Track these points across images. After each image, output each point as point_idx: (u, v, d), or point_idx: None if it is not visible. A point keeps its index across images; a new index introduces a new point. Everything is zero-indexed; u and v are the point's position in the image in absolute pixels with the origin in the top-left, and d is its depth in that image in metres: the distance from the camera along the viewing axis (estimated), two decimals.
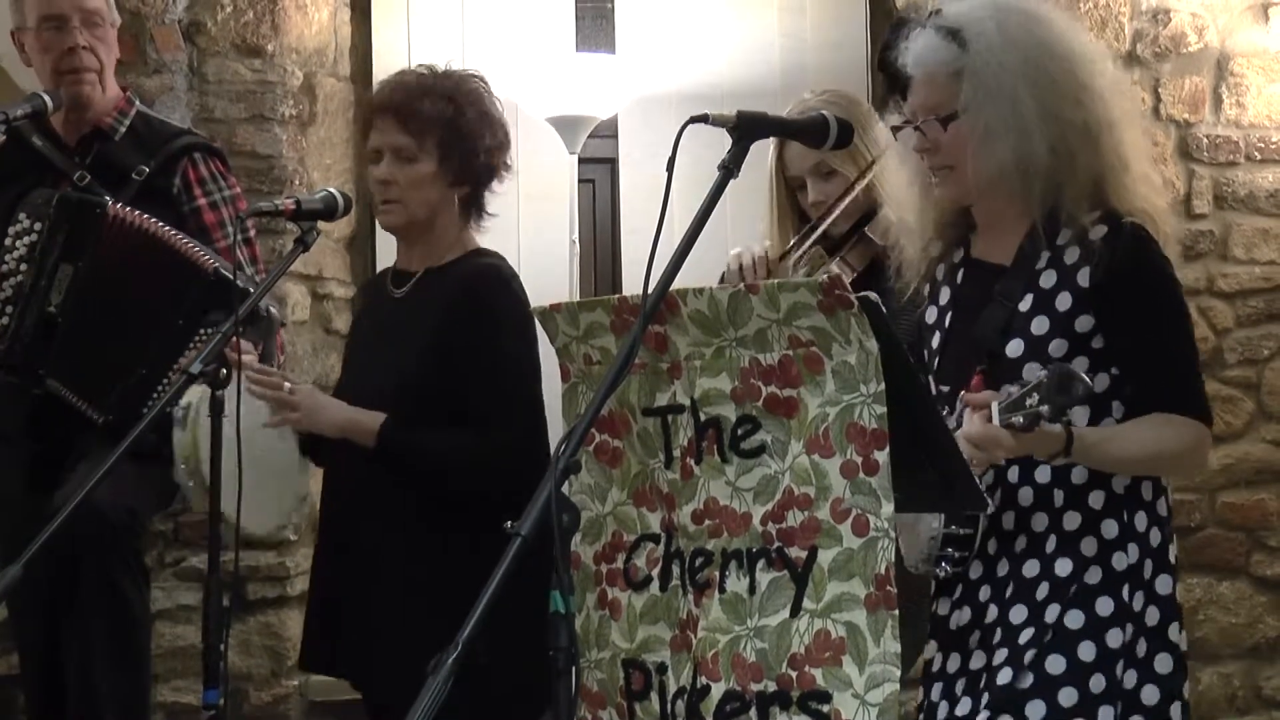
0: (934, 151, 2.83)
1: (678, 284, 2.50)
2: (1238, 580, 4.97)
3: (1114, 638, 2.70)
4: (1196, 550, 4.97)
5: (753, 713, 2.55)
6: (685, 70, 5.50)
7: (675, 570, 2.70)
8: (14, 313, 3.75)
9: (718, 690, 2.59)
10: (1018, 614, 2.74)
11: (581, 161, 5.29)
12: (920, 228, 2.96)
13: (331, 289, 5.12)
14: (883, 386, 2.48)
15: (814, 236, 3.40)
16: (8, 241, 3.77)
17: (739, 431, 2.63)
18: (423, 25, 5.45)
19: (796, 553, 2.55)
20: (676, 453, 2.70)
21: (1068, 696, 2.66)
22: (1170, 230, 2.81)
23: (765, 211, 3.54)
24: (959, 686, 2.78)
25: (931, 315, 2.97)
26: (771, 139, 3.31)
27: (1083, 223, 2.74)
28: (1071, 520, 2.75)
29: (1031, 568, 2.76)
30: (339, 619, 3.39)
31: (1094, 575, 2.72)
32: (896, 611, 2.46)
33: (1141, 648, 2.73)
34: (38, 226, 3.73)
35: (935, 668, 2.85)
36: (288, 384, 3.39)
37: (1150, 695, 2.73)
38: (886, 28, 5.44)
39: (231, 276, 3.59)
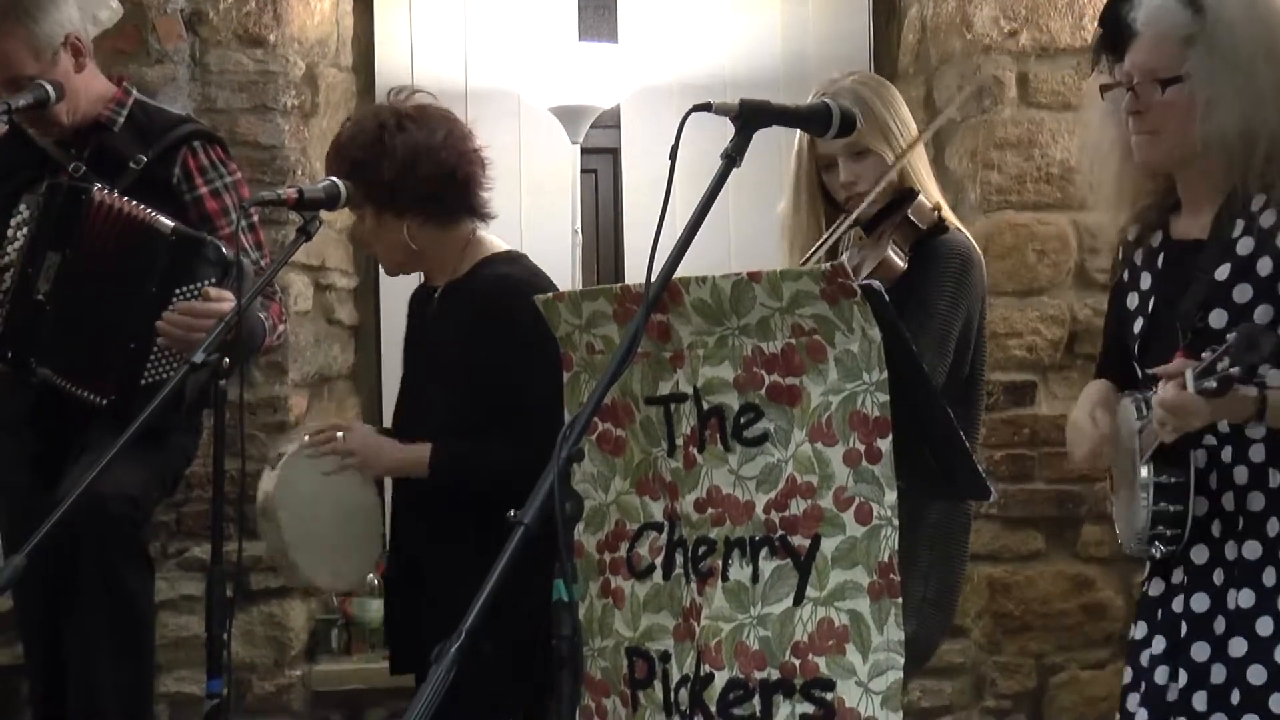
0: (1144, 114, 2.79)
1: (680, 273, 2.50)
2: None
3: None
4: None
5: (756, 701, 2.55)
6: (688, 60, 5.49)
7: (678, 559, 2.70)
8: (5, 303, 3.76)
9: (721, 678, 2.59)
10: (1246, 598, 2.70)
11: (584, 152, 5.28)
12: (1116, 195, 2.95)
13: (334, 279, 5.11)
14: (885, 375, 2.48)
15: (849, 221, 3.29)
16: (9, 233, 3.77)
17: (742, 420, 2.63)
18: (425, 15, 5.44)
19: (799, 541, 2.55)
20: (679, 441, 2.70)
21: None
22: None
23: (789, 192, 3.42)
24: (1180, 676, 2.74)
25: (1133, 301, 2.93)
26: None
27: (1276, 185, 2.71)
28: None
29: (1253, 549, 2.71)
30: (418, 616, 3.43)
31: None
32: (900, 599, 2.46)
33: None
34: (35, 215, 3.74)
35: (1149, 649, 2.82)
36: (339, 432, 3.45)
37: None
38: (886, 18, 5.51)
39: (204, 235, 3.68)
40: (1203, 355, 2.51)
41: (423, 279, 3.67)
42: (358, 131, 3.47)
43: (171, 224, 3.71)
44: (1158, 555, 2.82)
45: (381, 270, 5.28)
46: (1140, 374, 2.85)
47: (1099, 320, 4.97)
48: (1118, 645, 4.93)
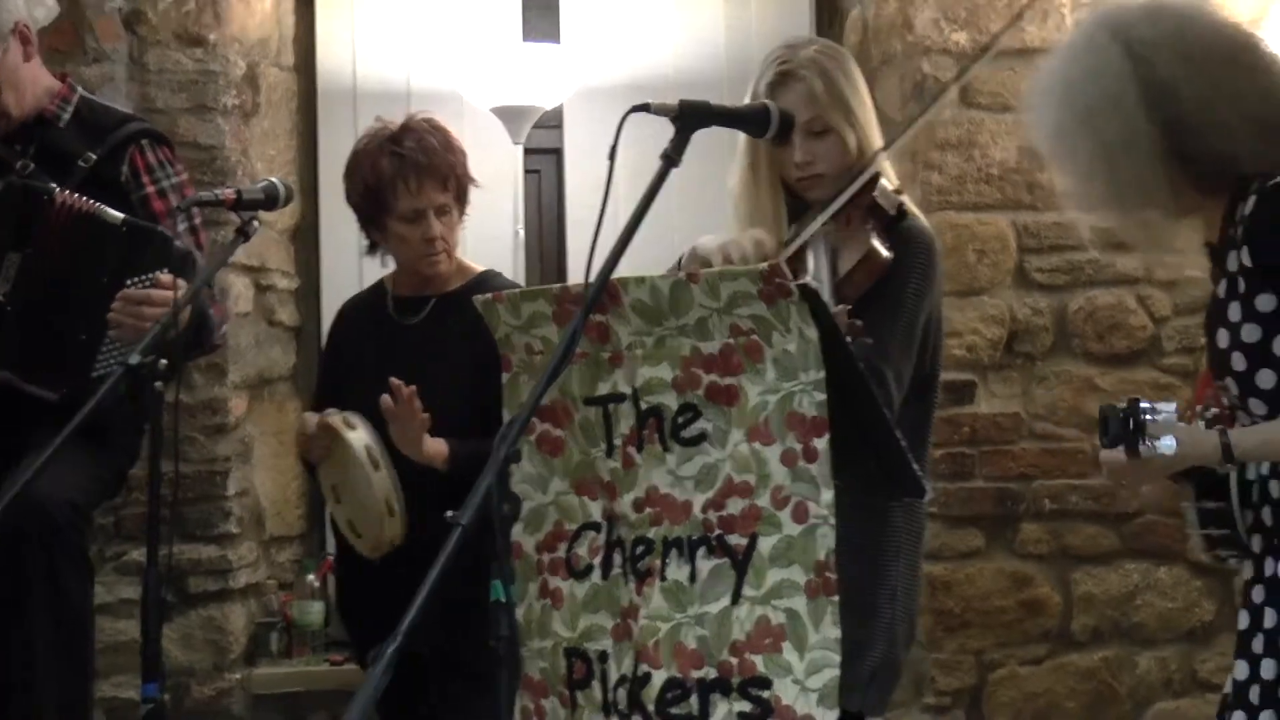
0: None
1: (621, 273, 2.50)
2: (1175, 566, 5.01)
3: None
4: (1135, 536, 5.00)
5: (694, 700, 2.56)
6: (631, 60, 5.49)
7: (617, 559, 2.71)
8: None
9: (659, 678, 2.60)
10: (1271, 618, 2.62)
11: (527, 152, 5.27)
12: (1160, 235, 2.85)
13: (275, 281, 5.09)
14: (823, 374, 2.49)
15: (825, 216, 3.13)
16: None
17: (680, 420, 2.63)
18: (367, 15, 5.42)
19: (737, 540, 2.56)
20: (618, 442, 2.71)
21: None
22: None
23: (741, 169, 3.29)
24: (1252, 694, 2.63)
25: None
26: (762, 82, 3.18)
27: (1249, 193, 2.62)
28: None
29: None
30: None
31: None
32: (836, 598, 2.47)
33: None
34: None
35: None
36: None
37: None
38: (829, 18, 5.52)
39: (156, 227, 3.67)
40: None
41: (395, 286, 3.72)
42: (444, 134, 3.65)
43: (121, 216, 3.69)
44: (1232, 563, 2.79)
45: (323, 272, 5.31)
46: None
47: (1038, 319, 5.04)
48: (1055, 641, 4.97)
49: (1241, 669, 2.66)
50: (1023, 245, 5.03)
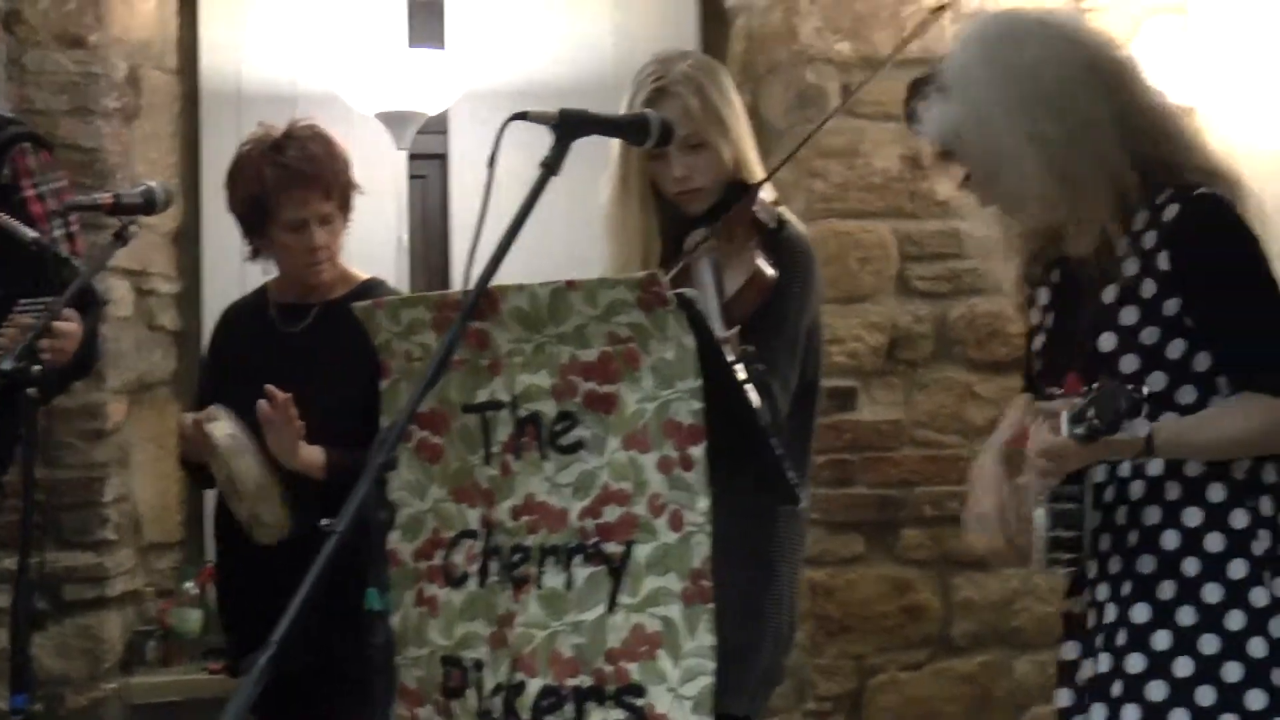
0: (989, 202, 2.84)
1: (501, 281, 2.51)
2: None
3: (1276, 628, 2.62)
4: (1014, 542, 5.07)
5: (569, 708, 2.57)
6: (517, 66, 5.50)
7: (494, 567, 2.70)
8: None
9: (534, 686, 2.60)
10: (1140, 613, 2.67)
11: (412, 158, 5.27)
12: (1006, 244, 2.96)
13: (156, 285, 5.05)
14: (700, 382, 2.51)
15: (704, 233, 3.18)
16: None
17: (558, 428, 2.64)
18: (252, 18, 5.39)
19: (613, 548, 2.56)
20: (496, 449, 2.71)
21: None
22: (1247, 186, 2.74)
23: (614, 183, 3.31)
24: (1112, 686, 2.69)
25: (1035, 318, 2.93)
26: (637, 98, 3.21)
27: (1157, 204, 2.69)
28: (1193, 516, 2.68)
29: (1147, 563, 2.69)
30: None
31: (1238, 569, 2.64)
32: (712, 605, 2.48)
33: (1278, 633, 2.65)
34: None
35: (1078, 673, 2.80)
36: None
37: None
38: (715, 27, 5.55)
39: (62, 253, 3.57)
40: (1075, 400, 2.54)
41: (277, 293, 3.69)
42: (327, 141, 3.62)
43: (32, 235, 3.63)
44: (1062, 574, 2.83)
45: (205, 276, 5.26)
46: (1045, 394, 2.81)
47: (919, 327, 5.09)
48: (935, 646, 5.03)
49: (1088, 665, 2.73)
50: (904, 253, 5.09)
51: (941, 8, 3.35)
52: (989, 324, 5.06)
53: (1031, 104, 2.68)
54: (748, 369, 2.69)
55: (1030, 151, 2.68)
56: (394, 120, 5.10)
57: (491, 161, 2.51)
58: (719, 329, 2.86)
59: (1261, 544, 2.66)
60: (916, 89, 2.84)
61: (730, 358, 2.66)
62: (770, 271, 3.10)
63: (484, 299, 2.57)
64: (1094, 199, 2.70)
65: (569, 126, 2.53)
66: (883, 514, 5.01)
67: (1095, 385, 2.51)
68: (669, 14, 5.60)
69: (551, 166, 2.50)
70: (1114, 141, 2.70)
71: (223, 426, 3.39)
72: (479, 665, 2.70)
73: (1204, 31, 5.21)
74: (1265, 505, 2.69)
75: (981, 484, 2.89)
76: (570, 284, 2.61)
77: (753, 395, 2.67)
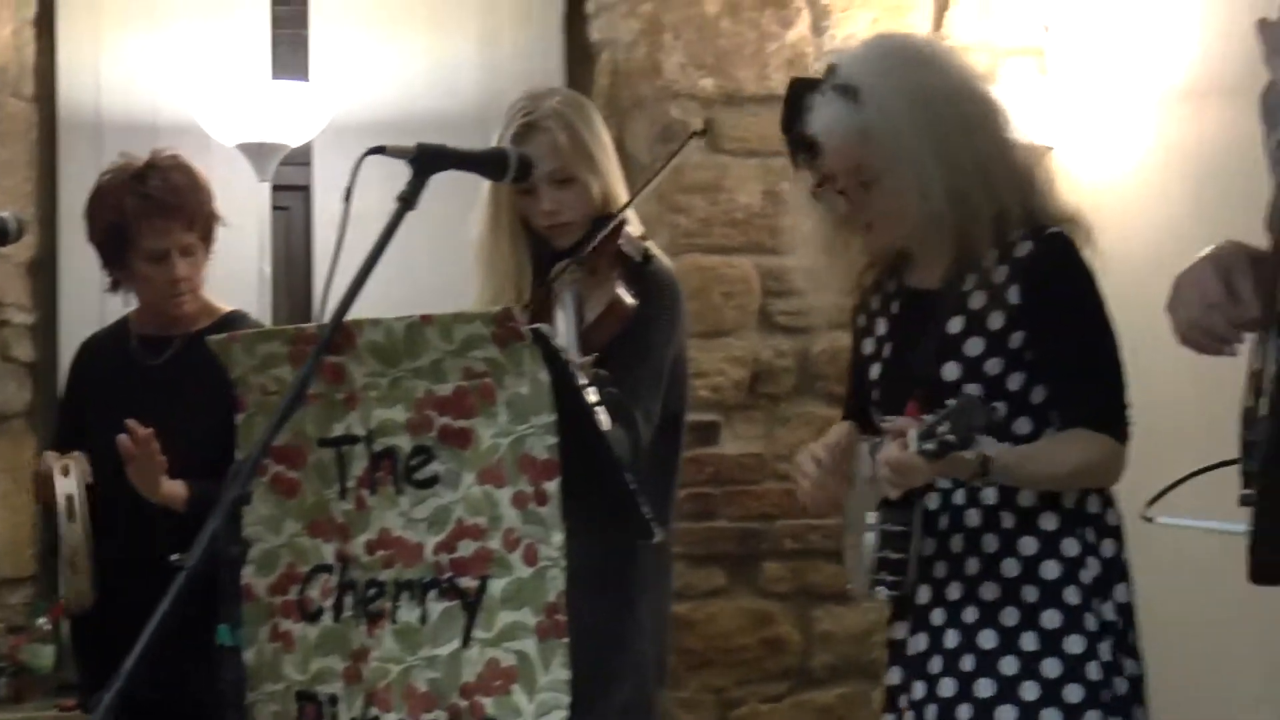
0: (858, 211, 2.86)
1: (358, 315, 2.51)
2: None
3: (1104, 651, 2.75)
4: None
5: None
6: (382, 99, 5.48)
7: (349, 601, 2.70)
8: None
9: None
10: (988, 639, 2.76)
11: (275, 189, 5.23)
12: (833, 278, 3.02)
13: (11, 315, 4.96)
14: (554, 417, 2.52)
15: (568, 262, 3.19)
16: None
17: (413, 462, 2.64)
18: (112, 47, 5.33)
19: (468, 582, 2.57)
20: (351, 483, 2.70)
21: None
22: (1094, 232, 2.87)
23: (485, 218, 3.34)
24: (929, 713, 2.78)
25: (869, 347, 2.99)
26: (507, 134, 3.24)
27: (1009, 241, 2.79)
28: (1029, 545, 2.77)
29: (990, 590, 2.77)
30: None
31: (1072, 596, 2.75)
32: (566, 640, 2.50)
33: (1106, 657, 2.76)
34: None
35: (905, 696, 2.85)
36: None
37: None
38: (580, 61, 5.58)
39: None
40: (925, 417, 2.60)
41: (136, 326, 3.66)
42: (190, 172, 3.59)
43: None
44: (883, 597, 2.88)
45: (63, 306, 5.19)
46: (879, 422, 2.88)
47: (781, 361, 5.14)
48: (795, 678, 5.06)
49: (919, 688, 2.80)
50: (767, 288, 5.13)
51: (702, 132, 3.51)
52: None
53: (945, 126, 2.79)
54: (601, 392, 2.72)
55: (936, 172, 2.77)
56: (256, 151, 5.06)
57: (348, 196, 2.52)
58: (575, 355, 2.90)
59: (1090, 572, 2.77)
60: (800, 93, 2.89)
61: (583, 381, 2.68)
62: (630, 300, 3.14)
63: (340, 333, 2.57)
64: (975, 227, 2.80)
65: (426, 161, 2.55)
66: (744, 547, 5.04)
67: (952, 401, 2.57)
68: (535, 48, 5.61)
69: (409, 201, 2.52)
70: (993, 176, 2.81)
71: (66, 485, 3.36)
72: (334, 700, 2.69)
73: (1060, 73, 5.32)
74: (1090, 534, 2.80)
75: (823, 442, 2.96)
76: (426, 318, 2.61)
77: (604, 418, 2.70)
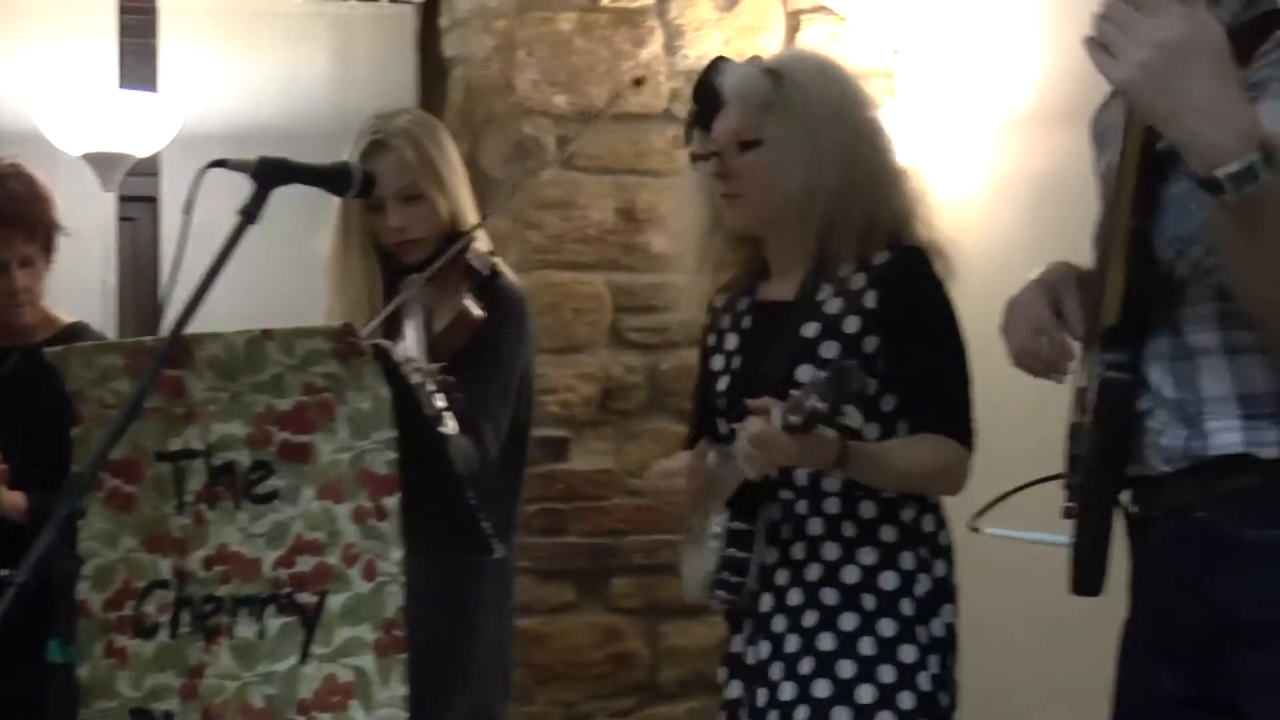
0: (727, 177, 2.93)
1: (205, 328, 2.50)
2: None
3: (933, 664, 2.82)
4: None
5: None
6: (232, 110, 5.45)
7: (186, 617, 2.67)
8: None
9: None
10: (826, 641, 2.81)
11: (123, 200, 5.18)
12: (698, 262, 3.08)
13: None
14: (394, 433, 2.52)
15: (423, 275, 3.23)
16: None
17: (253, 477, 2.62)
18: None
19: (307, 598, 2.55)
20: (190, 498, 2.68)
21: None
22: (954, 259, 2.96)
23: (335, 234, 3.37)
24: (771, 719, 2.82)
25: (718, 363, 3.03)
26: (358, 146, 3.27)
27: (865, 253, 2.87)
28: (868, 555, 2.84)
29: (830, 596, 2.83)
30: None
31: (907, 607, 2.82)
32: (405, 655, 2.49)
33: (935, 670, 2.83)
34: None
35: (745, 706, 2.89)
36: None
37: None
38: (434, 76, 5.57)
39: None
40: (793, 392, 2.64)
41: None
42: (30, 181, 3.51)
43: None
44: (720, 603, 2.93)
45: None
46: (726, 430, 2.95)
47: (631, 378, 5.16)
48: (644, 693, 5.08)
49: (761, 695, 2.85)
50: (618, 305, 5.15)
51: (640, 80, 3.57)
52: None
53: (845, 129, 2.91)
54: (449, 399, 2.79)
55: (823, 161, 2.87)
56: (101, 162, 5.01)
57: (187, 209, 2.51)
58: (423, 362, 2.95)
59: (923, 586, 2.85)
60: (721, 62, 2.99)
61: (431, 388, 2.75)
62: (478, 312, 3.17)
63: (180, 346, 2.55)
64: (841, 232, 2.89)
65: (268, 175, 2.54)
66: (594, 563, 5.06)
67: (820, 373, 2.61)
68: (388, 62, 5.60)
69: (250, 214, 2.51)
70: (874, 188, 2.93)
71: None
72: (169, 717, 2.66)
73: (909, 95, 5.41)
74: (924, 551, 2.88)
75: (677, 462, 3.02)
76: (267, 333, 2.60)
77: (451, 424, 2.77)
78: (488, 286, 3.24)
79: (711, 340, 3.08)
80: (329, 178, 2.75)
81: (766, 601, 2.88)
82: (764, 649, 2.87)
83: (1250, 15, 2.11)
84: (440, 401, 2.83)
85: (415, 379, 2.77)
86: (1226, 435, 2.07)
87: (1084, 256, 2.33)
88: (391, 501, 2.51)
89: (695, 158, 3.04)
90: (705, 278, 3.10)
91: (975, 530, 2.57)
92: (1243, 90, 2.01)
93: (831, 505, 2.87)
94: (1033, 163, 4.84)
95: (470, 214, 3.36)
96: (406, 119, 3.36)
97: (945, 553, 2.92)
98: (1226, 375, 2.07)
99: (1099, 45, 1.82)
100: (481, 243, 3.32)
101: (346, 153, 3.28)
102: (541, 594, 4.99)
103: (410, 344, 3.13)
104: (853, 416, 2.74)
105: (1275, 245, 1.85)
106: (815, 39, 5.35)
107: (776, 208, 2.92)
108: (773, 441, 2.66)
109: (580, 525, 5.06)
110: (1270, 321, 1.99)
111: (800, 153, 2.88)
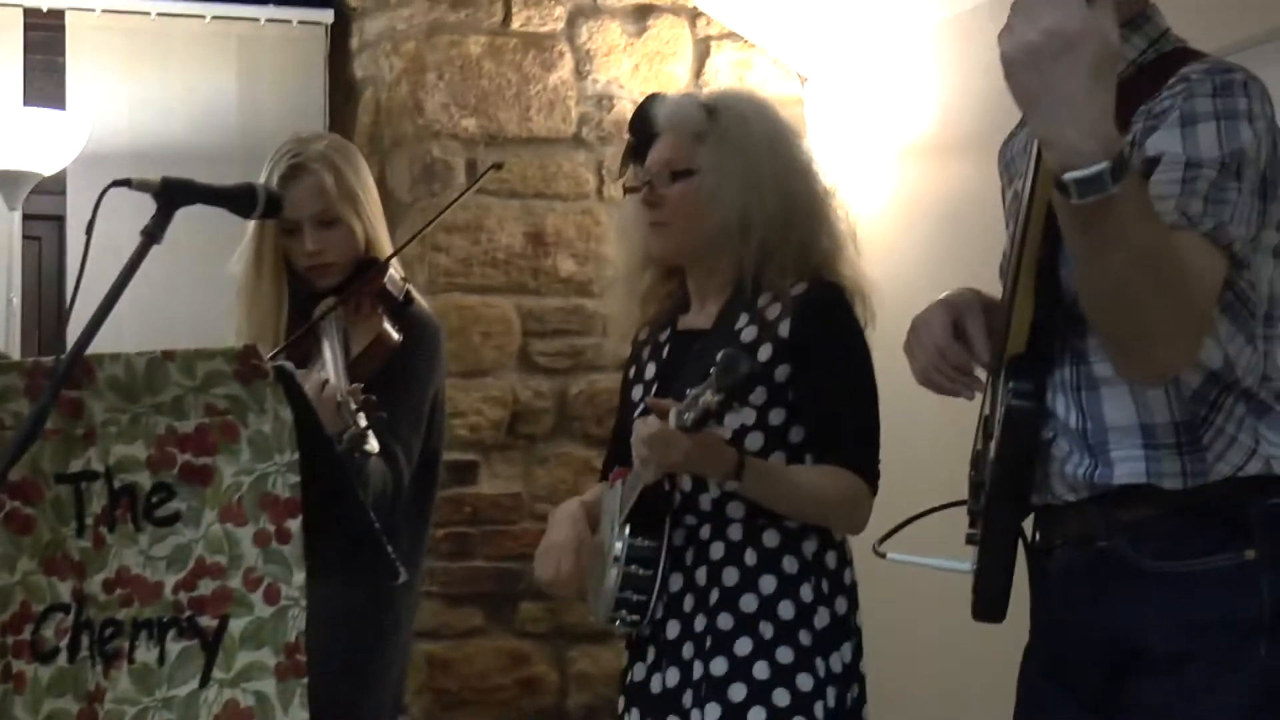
0: (656, 205, 2.94)
1: (115, 349, 2.48)
2: None
3: (830, 697, 2.81)
4: None
5: None
6: (141, 129, 5.41)
7: (85, 641, 2.63)
8: None
9: None
10: (719, 665, 2.80)
11: (28, 218, 5.12)
12: (628, 293, 3.10)
13: None
14: (296, 456, 2.50)
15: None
16: None
17: (153, 500, 2.59)
18: None
19: (207, 622, 2.53)
20: (89, 521, 2.64)
21: None
22: (875, 304, 2.99)
23: (247, 256, 3.34)
24: None
25: (637, 393, 3.04)
26: (274, 174, 3.25)
27: (784, 285, 2.89)
28: (768, 584, 2.84)
29: (726, 621, 2.83)
30: None
31: (805, 638, 2.82)
32: (306, 680, 2.47)
33: (832, 703, 2.83)
34: None
35: None
36: None
37: None
38: (344, 98, 5.56)
39: None
40: (689, 390, 2.64)
41: None
42: None
43: None
44: (623, 627, 2.93)
45: None
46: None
47: (539, 402, 5.17)
48: (551, 718, 5.07)
49: None
50: (526, 329, 5.16)
51: (499, 166, 3.63)
52: (608, 400, 5.14)
53: (777, 163, 2.94)
54: (369, 418, 2.83)
55: (752, 192, 2.90)
56: (6, 180, 4.95)
57: (89, 229, 2.49)
58: (343, 383, 2.98)
59: (822, 620, 2.86)
60: (657, 96, 3.03)
61: (353, 407, 2.79)
62: (395, 335, 3.20)
63: (80, 367, 2.52)
64: (765, 264, 2.91)
65: (172, 195, 2.52)
66: (501, 587, 5.05)
67: (713, 370, 2.59)
68: (297, 83, 5.58)
69: (153, 235, 2.50)
70: (803, 223, 2.96)
71: None
72: None
73: (818, 123, 5.45)
74: (825, 585, 2.88)
75: (559, 520, 3.05)
76: (168, 354, 2.57)
77: (373, 442, 2.82)
78: (402, 311, 3.26)
79: (633, 372, 3.11)
80: (233, 199, 2.72)
81: (673, 629, 2.88)
82: (672, 676, 2.87)
83: (1158, 52, 2.16)
84: (363, 421, 2.84)
85: (339, 398, 2.83)
86: (1129, 465, 2.09)
87: (982, 282, 2.36)
88: (294, 524, 2.49)
89: (628, 190, 3.07)
90: (635, 310, 3.12)
91: (881, 555, 2.58)
92: (1145, 119, 2.06)
93: (735, 531, 2.87)
94: (933, 189, 4.89)
95: (385, 240, 3.37)
96: (325, 143, 3.36)
97: (848, 591, 2.93)
98: (1130, 405, 2.10)
99: (1008, 22, 1.84)
100: (394, 268, 3.33)
101: (263, 173, 3.27)
102: (449, 619, 4.97)
103: (329, 365, 3.13)
104: (747, 414, 2.78)
105: (1111, 248, 1.86)
106: (723, 65, 5.38)
107: (705, 237, 2.94)
108: (666, 439, 2.67)
109: (488, 549, 5.05)
110: (1101, 325, 2.02)
111: (736, 182, 2.90)
